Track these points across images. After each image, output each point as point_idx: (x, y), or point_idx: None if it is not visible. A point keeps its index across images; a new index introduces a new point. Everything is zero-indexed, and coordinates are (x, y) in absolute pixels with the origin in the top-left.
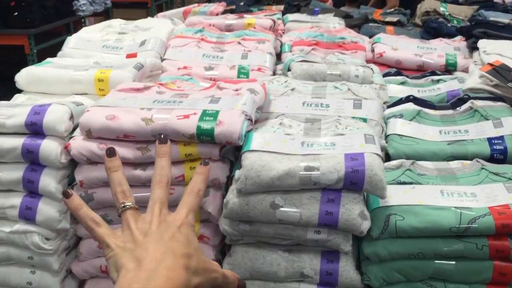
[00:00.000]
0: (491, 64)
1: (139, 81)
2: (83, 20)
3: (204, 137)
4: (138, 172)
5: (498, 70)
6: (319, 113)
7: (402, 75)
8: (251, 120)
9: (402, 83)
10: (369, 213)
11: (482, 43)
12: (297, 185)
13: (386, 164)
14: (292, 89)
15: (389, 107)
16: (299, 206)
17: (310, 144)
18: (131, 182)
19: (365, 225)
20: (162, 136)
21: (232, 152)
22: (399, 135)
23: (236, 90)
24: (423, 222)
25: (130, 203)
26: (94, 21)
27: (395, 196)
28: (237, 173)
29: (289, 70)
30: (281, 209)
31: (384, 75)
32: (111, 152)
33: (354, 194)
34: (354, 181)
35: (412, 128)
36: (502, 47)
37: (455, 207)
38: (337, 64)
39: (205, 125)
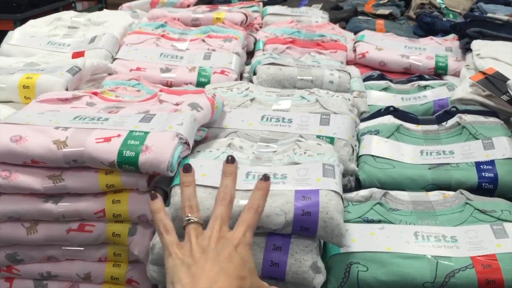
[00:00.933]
0: (483, 73)
1: (75, 88)
2: (73, 4)
3: (127, 166)
4: (49, 206)
5: (491, 80)
6: (278, 130)
7: (386, 79)
8: (188, 144)
9: (385, 89)
10: (327, 260)
11: (476, 45)
12: None
13: (354, 194)
14: (252, 99)
15: (365, 119)
16: None
17: (256, 176)
18: (40, 217)
19: (318, 279)
20: (230, 157)
21: (167, 182)
22: (373, 156)
23: (177, 104)
24: (391, 274)
25: (195, 218)
26: (87, 5)
27: (360, 239)
28: (167, 211)
29: (255, 74)
30: None
31: (365, 79)
32: (186, 168)
33: (306, 241)
34: (305, 226)
35: (389, 147)
36: (498, 50)
37: (431, 256)
38: (310, 68)
39: (128, 152)
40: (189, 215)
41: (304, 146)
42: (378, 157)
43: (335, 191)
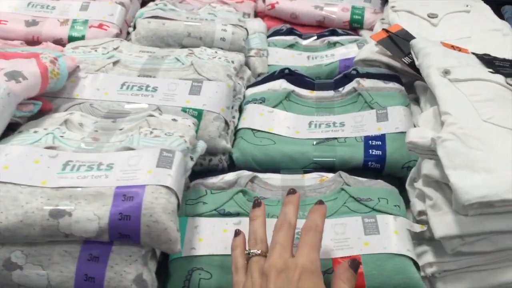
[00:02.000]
0: (386, 30)
1: None
2: None
3: None
4: None
5: (394, 39)
6: (139, 101)
7: (295, 33)
8: None
9: (291, 46)
10: (168, 265)
11: None
12: (39, 237)
13: (219, 178)
14: (116, 62)
15: (254, 84)
16: (47, 266)
17: (76, 167)
18: None
19: None
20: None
21: None
22: (252, 129)
23: None
24: None
25: (256, 250)
26: None
27: (208, 238)
28: None
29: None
30: (19, 271)
31: (273, 34)
32: (257, 204)
33: (131, 248)
34: (124, 232)
35: (273, 118)
36: (415, 3)
37: None
38: (200, 22)
39: None
40: (251, 248)
41: (154, 123)
42: (259, 130)
43: (166, 187)
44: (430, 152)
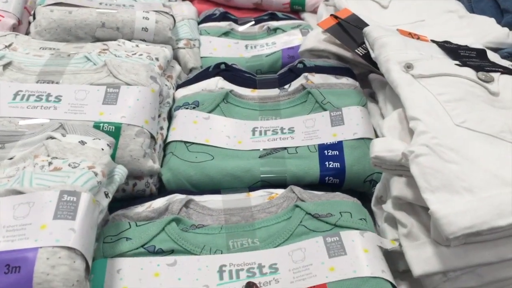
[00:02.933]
0: (335, 16)
1: None
2: None
3: None
4: None
5: (344, 27)
6: (37, 115)
7: (230, 19)
8: None
9: (226, 34)
10: None
11: None
12: None
13: (145, 206)
14: (7, 65)
15: (185, 84)
16: None
17: None
18: None
19: None
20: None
21: None
22: (185, 142)
23: None
24: None
25: None
26: None
27: (135, 286)
28: None
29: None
30: None
31: (204, 20)
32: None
33: None
34: None
35: (209, 126)
36: None
37: None
38: (116, 9)
39: None
40: None
41: (54, 149)
42: (193, 143)
43: (67, 248)
44: (400, 167)
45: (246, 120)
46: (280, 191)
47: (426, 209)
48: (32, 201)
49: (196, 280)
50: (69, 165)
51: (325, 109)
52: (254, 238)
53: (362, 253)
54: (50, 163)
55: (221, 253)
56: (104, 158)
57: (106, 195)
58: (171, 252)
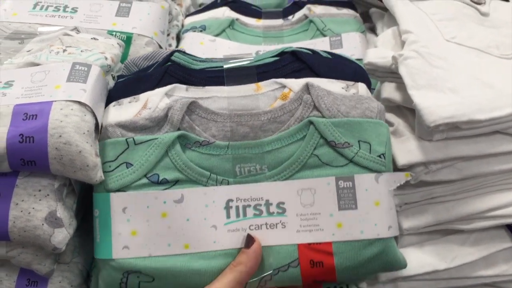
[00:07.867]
0: None
1: None
2: None
3: None
4: None
5: None
6: (55, 23)
7: None
8: None
9: None
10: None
11: None
12: None
13: (137, 109)
14: None
15: (195, 13)
16: None
17: None
18: None
19: (59, 236)
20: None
21: None
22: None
23: None
24: None
25: None
26: None
27: (143, 230)
28: None
29: None
30: None
31: None
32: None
33: (41, 181)
34: (28, 158)
35: (215, 48)
36: None
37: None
38: None
39: None
40: None
41: (69, 42)
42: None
43: (79, 103)
44: (391, 74)
45: (250, 44)
46: (293, 84)
47: (413, 111)
48: (48, 70)
49: (204, 220)
50: (81, 51)
51: (325, 36)
52: (262, 165)
53: (372, 208)
54: (64, 50)
55: (228, 183)
56: (114, 49)
57: (113, 77)
58: (176, 182)
